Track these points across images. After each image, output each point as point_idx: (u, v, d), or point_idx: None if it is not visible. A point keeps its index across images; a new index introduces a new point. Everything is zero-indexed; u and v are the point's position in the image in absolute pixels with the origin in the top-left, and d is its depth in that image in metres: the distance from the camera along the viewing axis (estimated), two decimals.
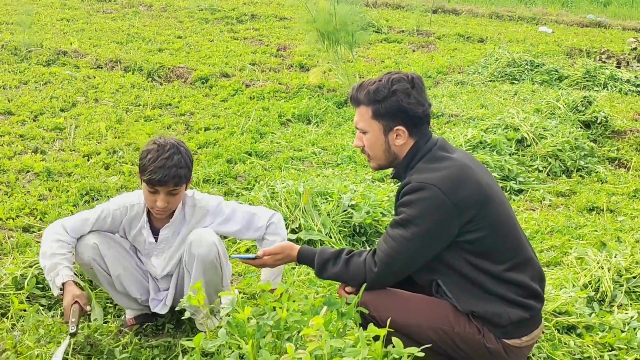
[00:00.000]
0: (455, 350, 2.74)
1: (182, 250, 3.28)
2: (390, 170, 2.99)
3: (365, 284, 2.77)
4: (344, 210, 4.51)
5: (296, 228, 4.38)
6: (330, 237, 4.30)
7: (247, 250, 4.28)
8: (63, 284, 3.09)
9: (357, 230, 4.46)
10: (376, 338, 2.31)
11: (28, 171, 5.54)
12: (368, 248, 4.34)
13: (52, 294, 3.60)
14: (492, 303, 2.70)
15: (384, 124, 2.78)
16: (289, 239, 4.27)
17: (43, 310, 3.54)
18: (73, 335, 3.02)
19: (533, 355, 3.15)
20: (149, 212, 3.29)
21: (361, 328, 2.52)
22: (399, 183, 2.84)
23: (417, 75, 2.81)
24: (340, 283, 3.00)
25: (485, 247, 2.70)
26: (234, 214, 3.33)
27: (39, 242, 4.33)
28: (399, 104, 2.73)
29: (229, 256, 3.29)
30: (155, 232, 3.34)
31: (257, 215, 3.34)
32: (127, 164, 5.77)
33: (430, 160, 2.77)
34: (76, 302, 3.05)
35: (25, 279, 3.63)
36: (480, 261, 2.69)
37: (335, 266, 2.85)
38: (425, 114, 2.79)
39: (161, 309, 3.43)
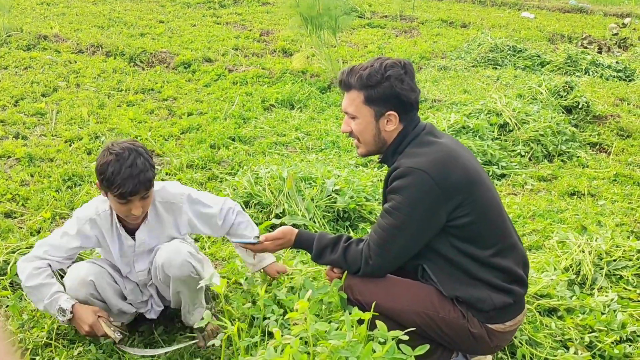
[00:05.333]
0: (439, 335, 2.76)
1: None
2: (376, 156, 2.98)
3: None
4: (328, 195, 4.51)
5: (280, 213, 4.39)
6: (314, 221, 4.31)
7: None
8: (73, 306, 2.98)
9: (341, 215, 4.48)
10: (361, 322, 2.33)
11: (9, 157, 5.49)
12: (352, 233, 4.37)
13: None
14: (476, 288, 2.71)
15: (375, 109, 2.75)
16: (274, 225, 4.28)
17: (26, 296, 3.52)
18: (122, 340, 3.04)
19: (515, 337, 3.19)
20: (118, 218, 3.12)
21: (347, 312, 2.54)
22: (384, 168, 2.84)
23: (408, 62, 2.79)
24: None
25: (472, 232, 2.70)
26: (205, 195, 3.30)
27: (21, 227, 4.31)
28: (392, 90, 2.70)
29: (230, 240, 3.20)
30: (129, 233, 3.19)
31: (219, 198, 3.37)
32: None
33: (418, 145, 2.75)
34: (99, 316, 3.01)
35: (8, 264, 3.61)
36: (466, 246, 2.70)
37: (333, 253, 2.83)
38: (416, 100, 2.78)
39: (154, 314, 3.37)
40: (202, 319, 2.64)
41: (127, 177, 2.83)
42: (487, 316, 2.74)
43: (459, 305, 2.73)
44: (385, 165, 2.93)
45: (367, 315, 2.32)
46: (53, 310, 2.99)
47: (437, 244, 2.71)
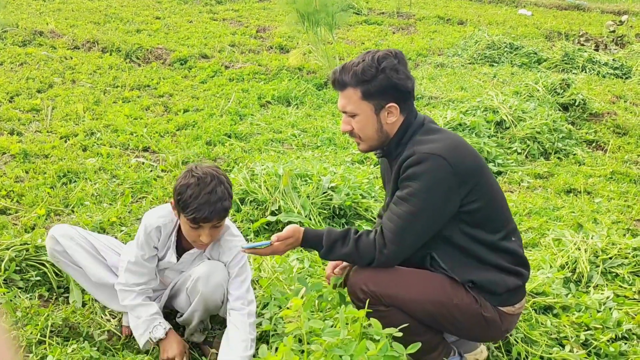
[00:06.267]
0: (451, 323, 2.75)
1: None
2: (371, 153, 2.95)
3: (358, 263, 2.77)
4: (324, 192, 4.50)
5: (276, 210, 4.37)
6: (310, 219, 4.30)
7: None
8: (166, 333, 3.01)
9: (337, 212, 4.47)
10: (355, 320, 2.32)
11: (4, 153, 5.47)
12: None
13: (30, 277, 3.57)
14: (488, 272, 2.72)
15: (374, 103, 2.72)
16: (269, 222, 4.27)
17: (20, 293, 3.50)
18: None
19: (510, 335, 3.18)
20: (178, 232, 3.10)
21: (343, 307, 2.53)
22: (378, 162, 2.81)
23: (399, 51, 2.76)
24: (326, 267, 2.98)
25: (482, 217, 2.71)
26: (248, 275, 3.15)
27: (15, 224, 4.29)
28: (389, 81, 2.67)
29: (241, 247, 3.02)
30: (179, 251, 3.16)
31: (250, 292, 3.13)
32: (105, 145, 5.72)
33: (426, 133, 2.74)
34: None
35: (2, 261, 3.59)
36: (476, 231, 2.71)
37: (344, 246, 2.75)
38: (413, 88, 2.76)
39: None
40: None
41: (204, 203, 2.80)
42: (500, 299, 2.76)
43: (471, 290, 2.73)
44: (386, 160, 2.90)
45: (362, 313, 2.31)
46: (147, 328, 3.02)
47: (447, 231, 2.70)
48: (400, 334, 2.26)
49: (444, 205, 2.64)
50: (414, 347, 2.24)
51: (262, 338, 3.16)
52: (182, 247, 3.15)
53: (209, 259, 3.14)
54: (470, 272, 2.72)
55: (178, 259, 3.16)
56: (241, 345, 2.91)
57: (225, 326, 3.27)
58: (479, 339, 2.99)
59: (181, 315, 3.20)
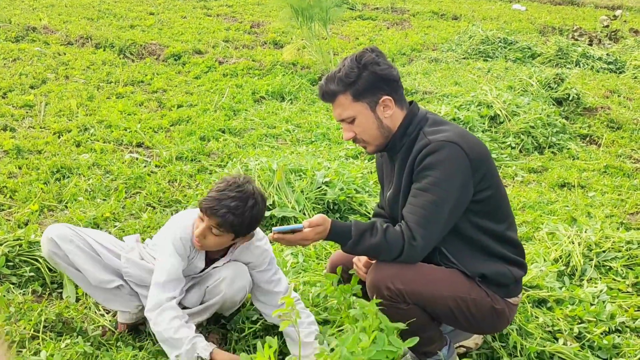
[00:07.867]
0: (467, 318, 2.75)
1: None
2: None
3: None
4: (318, 187, 4.50)
5: (270, 205, 4.37)
6: (304, 213, 4.30)
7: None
8: (211, 354, 2.85)
9: (331, 207, 4.46)
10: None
11: None
12: None
13: (24, 272, 3.56)
14: (495, 263, 2.74)
15: (367, 101, 2.72)
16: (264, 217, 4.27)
17: (13, 288, 3.49)
18: None
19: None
20: None
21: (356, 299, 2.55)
22: (375, 160, 2.79)
23: (374, 46, 2.80)
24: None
25: (490, 206, 2.72)
26: (272, 263, 3.15)
27: (9, 220, 4.27)
28: (374, 75, 2.68)
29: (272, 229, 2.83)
30: (208, 260, 3.11)
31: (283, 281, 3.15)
32: (98, 141, 5.70)
33: (434, 124, 2.75)
34: None
35: None
36: (484, 222, 2.71)
37: (372, 237, 2.66)
38: (398, 76, 2.77)
39: None
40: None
41: (216, 199, 2.77)
42: (507, 290, 2.78)
43: (481, 284, 2.74)
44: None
45: (371, 311, 2.29)
46: (191, 356, 2.85)
47: (457, 223, 2.70)
48: (404, 326, 2.27)
49: (463, 191, 2.63)
50: (412, 342, 2.25)
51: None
52: (208, 257, 3.11)
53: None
54: (479, 264, 2.72)
55: (204, 269, 3.11)
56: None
57: (218, 321, 3.27)
58: (485, 332, 2.99)
59: (183, 308, 3.17)
